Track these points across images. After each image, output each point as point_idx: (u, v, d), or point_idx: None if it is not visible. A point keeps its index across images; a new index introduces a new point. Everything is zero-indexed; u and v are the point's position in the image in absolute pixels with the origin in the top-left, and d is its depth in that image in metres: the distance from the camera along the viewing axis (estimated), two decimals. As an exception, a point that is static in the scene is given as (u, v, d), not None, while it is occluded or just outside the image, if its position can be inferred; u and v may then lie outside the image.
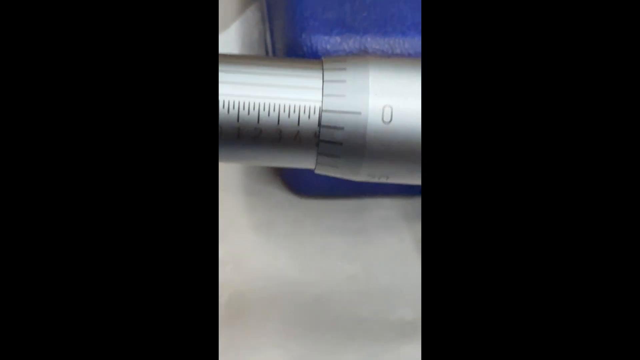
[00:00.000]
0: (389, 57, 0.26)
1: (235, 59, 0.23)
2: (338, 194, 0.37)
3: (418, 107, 0.23)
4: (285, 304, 0.39)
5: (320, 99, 0.23)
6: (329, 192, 0.35)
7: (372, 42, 0.36)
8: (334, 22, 0.36)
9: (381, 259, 0.40)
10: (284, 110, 0.23)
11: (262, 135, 0.23)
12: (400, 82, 0.23)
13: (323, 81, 0.23)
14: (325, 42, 0.36)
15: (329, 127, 0.23)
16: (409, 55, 0.34)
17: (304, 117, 0.23)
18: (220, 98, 0.22)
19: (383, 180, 0.24)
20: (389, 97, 0.23)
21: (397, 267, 0.40)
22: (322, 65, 0.23)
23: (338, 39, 0.35)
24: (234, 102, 0.22)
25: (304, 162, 0.24)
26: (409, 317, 0.38)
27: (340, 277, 0.40)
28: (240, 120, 0.23)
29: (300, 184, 0.38)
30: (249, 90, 0.23)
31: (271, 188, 0.41)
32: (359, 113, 0.23)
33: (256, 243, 0.40)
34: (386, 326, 0.38)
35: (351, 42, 0.36)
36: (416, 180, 0.23)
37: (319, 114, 0.23)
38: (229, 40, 0.43)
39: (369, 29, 0.35)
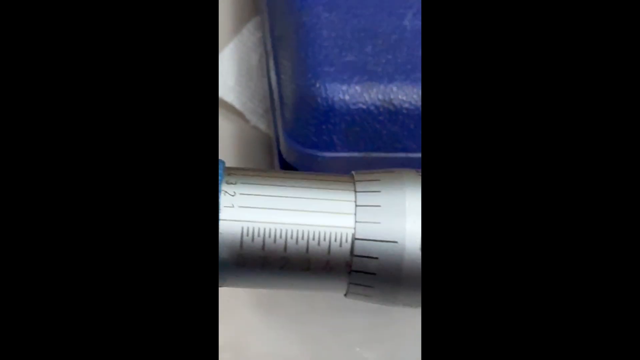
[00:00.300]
0: None
1: (255, 176, 0.23)
2: None
3: None
4: None
5: (353, 226, 0.23)
6: None
7: (399, 91, 0.34)
8: (354, 68, 0.34)
9: (408, 344, 0.37)
10: (313, 238, 0.23)
11: (289, 265, 0.23)
12: None
13: (355, 205, 0.23)
14: (343, 92, 0.34)
15: (362, 256, 0.23)
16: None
17: (334, 245, 0.23)
18: (243, 224, 0.22)
19: (418, 307, 0.24)
20: None
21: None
22: (354, 185, 0.23)
23: (358, 88, 0.34)
24: (258, 229, 0.22)
25: (333, 289, 0.24)
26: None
27: None
28: (265, 249, 0.22)
29: None
30: (275, 217, 0.22)
31: None
32: (396, 242, 0.22)
33: (258, 325, 0.38)
34: None
35: (374, 93, 0.34)
36: None
37: (352, 243, 0.23)
38: (221, 69, 0.42)
39: (394, 75, 0.34)
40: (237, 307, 0.37)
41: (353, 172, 0.24)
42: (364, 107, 0.34)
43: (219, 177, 0.23)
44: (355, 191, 0.23)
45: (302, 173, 0.25)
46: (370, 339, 0.37)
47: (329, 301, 0.38)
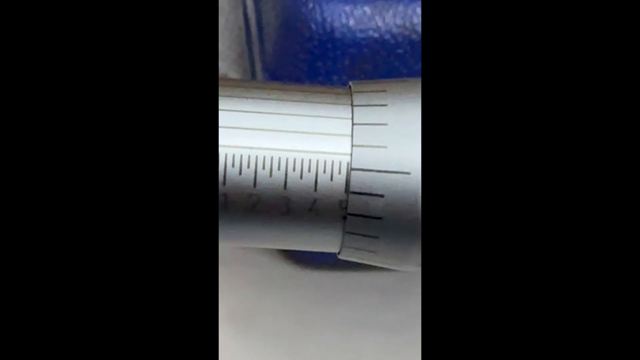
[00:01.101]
0: None
1: (239, 86, 0.22)
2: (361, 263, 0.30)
3: None
4: None
5: (349, 151, 0.20)
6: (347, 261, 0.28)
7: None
8: None
9: None
10: (294, 169, 0.20)
11: (260, 206, 0.21)
12: None
13: (352, 123, 0.21)
14: (346, 15, 0.31)
15: (362, 193, 0.20)
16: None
17: (323, 178, 0.20)
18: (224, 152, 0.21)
19: None
20: None
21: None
22: (351, 97, 0.21)
23: (367, 10, 0.31)
24: (234, 157, 0.21)
25: (323, 244, 0.21)
26: None
27: None
28: (227, 183, 0.20)
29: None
30: (239, 138, 0.20)
31: (255, 254, 0.37)
32: (408, 173, 0.20)
33: (229, 345, 0.34)
34: None
35: (389, 16, 0.31)
36: None
37: (347, 174, 0.20)
38: None
39: None
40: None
41: (351, 82, 0.22)
42: (377, 35, 0.31)
43: None
44: (353, 105, 0.21)
45: (282, 84, 0.22)
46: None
47: (324, 313, 0.35)
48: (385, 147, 0.20)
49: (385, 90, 0.21)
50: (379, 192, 0.20)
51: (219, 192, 0.20)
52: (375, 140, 0.20)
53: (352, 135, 0.20)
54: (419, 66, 0.32)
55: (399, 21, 0.31)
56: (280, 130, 0.20)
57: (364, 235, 0.21)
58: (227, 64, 0.40)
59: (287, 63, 0.32)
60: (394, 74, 0.32)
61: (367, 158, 0.20)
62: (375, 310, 0.36)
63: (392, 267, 0.21)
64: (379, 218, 0.20)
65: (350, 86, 0.22)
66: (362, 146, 0.20)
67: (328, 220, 0.21)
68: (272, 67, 0.33)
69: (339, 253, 0.22)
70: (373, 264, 0.21)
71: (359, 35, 0.31)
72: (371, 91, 0.21)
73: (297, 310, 0.36)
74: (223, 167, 0.20)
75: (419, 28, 0.32)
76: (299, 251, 0.32)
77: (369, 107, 0.21)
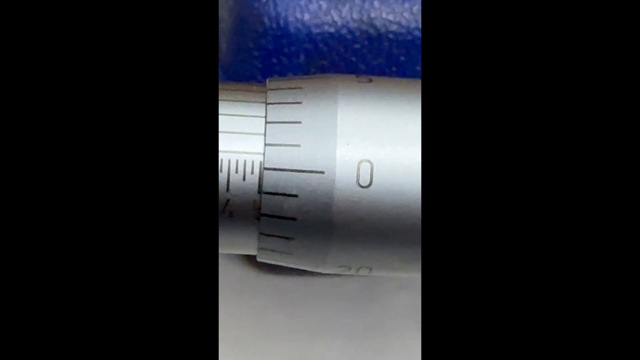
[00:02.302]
0: (370, 79, 0.23)
1: None
2: None
3: (412, 162, 0.22)
4: None
5: (262, 150, 0.21)
6: None
7: (383, 7, 0.31)
8: None
9: None
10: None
11: None
12: (386, 123, 0.22)
13: (266, 122, 0.21)
14: (300, 9, 0.31)
15: (275, 193, 0.21)
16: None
17: (235, 178, 0.21)
18: None
19: (364, 273, 0.23)
20: (368, 147, 0.21)
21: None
22: (265, 95, 0.22)
23: (323, 3, 0.30)
24: None
25: (238, 246, 0.22)
26: None
27: None
28: None
29: None
30: None
31: (220, 258, 0.34)
32: (322, 172, 0.21)
33: None
34: None
35: (346, 10, 0.31)
36: (409, 271, 0.23)
37: (260, 174, 0.21)
38: None
39: None
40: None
41: (268, 79, 0.23)
42: (333, 30, 0.30)
43: None
44: (267, 103, 0.21)
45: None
46: None
47: (286, 320, 0.35)
48: (299, 145, 0.21)
49: (301, 88, 0.21)
50: (293, 192, 0.21)
51: None
52: (289, 139, 0.21)
53: (264, 134, 0.21)
54: (377, 61, 0.31)
55: (355, 15, 0.30)
56: None
57: (278, 237, 0.21)
58: None
59: (241, 60, 0.31)
60: (351, 69, 0.31)
61: (281, 157, 0.21)
62: (339, 316, 0.35)
63: (309, 269, 0.22)
64: (293, 219, 0.21)
65: (266, 82, 0.22)
66: (275, 145, 0.21)
67: (242, 222, 0.21)
68: (226, 64, 0.32)
69: (256, 256, 0.22)
70: (290, 265, 0.22)
71: (314, 30, 0.30)
72: (286, 88, 0.22)
73: (259, 316, 0.35)
74: None
75: (376, 22, 0.31)
76: None
77: (283, 105, 0.21)
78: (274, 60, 0.30)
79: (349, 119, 0.21)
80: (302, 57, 0.30)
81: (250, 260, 0.36)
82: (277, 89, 0.22)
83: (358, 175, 0.21)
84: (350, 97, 0.21)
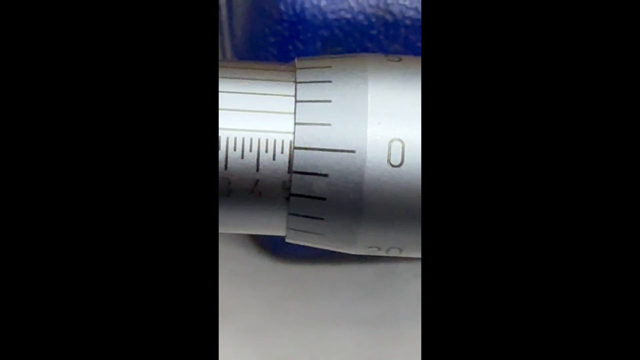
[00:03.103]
0: (400, 58, 0.23)
1: None
2: (342, 256, 0.28)
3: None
4: None
5: (292, 130, 0.21)
6: (327, 252, 0.26)
7: None
8: None
9: None
10: (235, 148, 0.21)
11: None
12: (417, 101, 0.22)
13: (296, 100, 0.21)
14: None
15: (305, 173, 0.21)
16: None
17: (265, 158, 0.21)
18: None
19: (394, 253, 0.22)
20: (399, 126, 0.21)
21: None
22: (295, 74, 0.22)
23: None
24: None
25: (267, 226, 0.22)
26: None
27: None
28: None
29: (277, 239, 0.28)
30: None
31: (228, 246, 0.36)
32: (353, 152, 0.21)
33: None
34: None
35: None
36: None
37: (290, 153, 0.21)
38: None
39: None
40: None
41: (296, 59, 0.22)
42: (349, 16, 0.30)
43: None
44: (296, 82, 0.21)
45: (223, 62, 0.23)
46: None
47: (302, 309, 0.35)
48: (329, 124, 0.21)
49: (330, 67, 0.21)
50: (323, 172, 0.21)
51: None
52: (319, 118, 0.21)
53: (294, 113, 0.21)
54: (393, 47, 0.31)
55: (372, 1, 0.30)
56: (223, 109, 0.21)
57: (308, 217, 0.21)
58: None
59: (257, 46, 0.31)
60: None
61: (311, 136, 0.21)
62: (354, 304, 0.35)
63: (339, 250, 0.22)
64: (323, 199, 0.21)
65: (295, 61, 0.22)
66: (305, 124, 0.21)
67: (271, 202, 0.21)
68: (242, 51, 0.32)
69: (285, 236, 0.22)
70: (319, 246, 0.22)
71: (330, 16, 0.30)
72: (316, 67, 0.22)
73: (274, 305, 0.35)
74: None
75: (393, 8, 0.31)
76: (275, 244, 0.35)
77: (313, 84, 0.21)
78: (290, 46, 0.30)
79: (380, 98, 0.21)
80: (318, 43, 0.30)
81: (266, 249, 0.36)
82: (307, 67, 0.22)
83: (389, 155, 0.21)
84: (380, 76, 0.21)
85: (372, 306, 0.35)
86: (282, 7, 0.30)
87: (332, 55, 0.23)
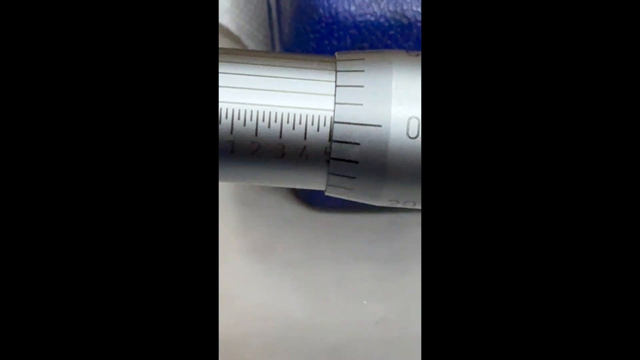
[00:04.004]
0: (418, 53, 0.25)
1: (226, 55, 0.24)
2: (364, 206, 0.31)
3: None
4: (291, 354, 0.36)
5: (332, 108, 0.23)
6: (352, 203, 0.29)
7: (412, 3, 0.34)
8: None
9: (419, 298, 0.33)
10: (288, 121, 0.23)
11: (261, 151, 0.23)
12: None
13: (336, 85, 0.23)
14: (348, 2, 0.34)
15: (342, 142, 0.23)
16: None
17: (311, 129, 0.23)
18: (225, 107, 0.24)
19: (410, 206, 0.24)
20: (416, 107, 0.23)
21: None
22: (335, 65, 0.24)
23: None
24: (227, 110, 0.23)
25: (312, 182, 0.24)
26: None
27: (365, 321, 0.37)
28: (234, 133, 0.23)
29: (312, 193, 0.34)
30: (244, 96, 0.23)
31: (273, 197, 0.39)
32: (380, 126, 0.23)
33: (251, 273, 0.38)
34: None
35: (384, 3, 0.34)
36: None
37: (330, 126, 0.23)
38: None
39: None
40: (228, 253, 0.37)
41: (337, 53, 0.24)
42: (373, 19, 0.34)
43: None
44: (336, 71, 0.24)
45: (278, 54, 0.25)
46: (379, 290, 0.37)
47: (331, 247, 0.38)
48: (362, 104, 0.23)
49: (363, 59, 0.24)
50: (356, 141, 0.23)
51: (227, 140, 0.23)
52: (354, 99, 0.23)
53: (335, 95, 0.23)
54: (407, 44, 0.34)
55: (391, 8, 0.34)
56: (279, 91, 0.23)
57: (343, 176, 0.23)
58: (255, 43, 0.42)
59: (300, 41, 0.35)
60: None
61: (347, 113, 0.23)
62: (371, 245, 0.38)
63: (366, 202, 0.24)
64: (356, 162, 0.23)
65: (336, 54, 0.24)
66: (343, 104, 0.23)
67: (315, 163, 0.23)
68: (289, 45, 0.35)
69: (325, 190, 0.24)
70: (351, 199, 0.24)
71: (358, 19, 0.34)
72: (352, 59, 0.24)
73: (308, 245, 0.38)
74: (230, 119, 0.23)
75: (408, 13, 0.34)
76: (308, 195, 0.38)
77: (349, 72, 0.23)
78: (326, 42, 0.34)
79: (401, 84, 0.23)
80: (348, 40, 0.34)
81: (303, 200, 0.39)
82: (345, 60, 0.24)
83: (408, 129, 0.23)
84: (401, 67, 0.23)
85: (385, 247, 0.38)
86: (321, 11, 0.34)
87: (364, 51, 0.25)
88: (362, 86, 0.23)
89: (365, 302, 0.36)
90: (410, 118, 0.23)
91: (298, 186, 0.24)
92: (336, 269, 0.36)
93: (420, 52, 0.25)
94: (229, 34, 0.43)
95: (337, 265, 0.36)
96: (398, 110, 0.23)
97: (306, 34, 0.34)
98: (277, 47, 0.37)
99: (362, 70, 0.23)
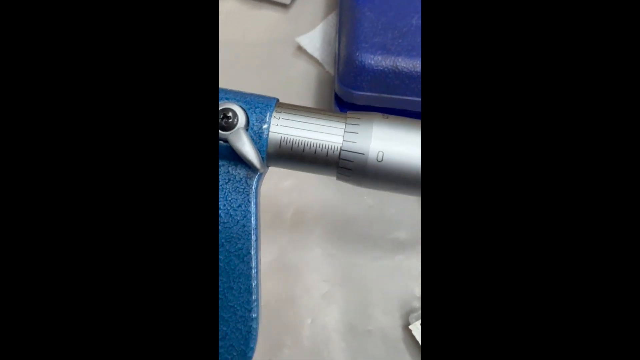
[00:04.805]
0: (388, 117, 0.29)
1: (291, 109, 0.30)
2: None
3: (403, 152, 0.28)
4: (327, 220, 0.46)
5: (341, 142, 0.29)
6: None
7: (402, 61, 0.43)
8: (378, 46, 0.44)
9: (392, 196, 0.46)
10: (319, 147, 0.29)
11: (305, 159, 0.30)
12: (392, 135, 0.29)
13: (345, 131, 0.29)
14: (370, 59, 0.44)
15: (344, 159, 0.29)
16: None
17: (330, 152, 0.29)
18: (282, 135, 0.29)
19: (380, 190, 0.29)
20: (383, 145, 0.28)
21: (401, 203, 0.46)
22: (346, 119, 0.29)
23: (379, 57, 0.44)
24: (289, 138, 0.29)
25: (330, 174, 0.30)
26: (402, 237, 0.44)
27: (363, 206, 0.47)
28: (292, 150, 0.30)
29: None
30: (298, 132, 0.29)
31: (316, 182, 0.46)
32: (363, 154, 0.28)
33: (314, 177, 0.46)
34: (388, 241, 0.45)
35: (387, 61, 0.44)
36: (404, 194, 0.30)
37: (339, 152, 0.29)
38: (315, 36, 0.52)
39: (401, 52, 0.44)
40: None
41: (347, 112, 0.29)
42: (381, 68, 0.44)
43: (272, 108, 0.28)
44: (346, 123, 0.29)
45: (319, 109, 0.29)
46: (372, 192, 0.45)
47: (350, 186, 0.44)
48: (355, 142, 0.28)
49: (359, 118, 0.29)
50: (351, 160, 0.28)
51: (288, 153, 0.28)
52: (352, 138, 0.28)
53: (343, 136, 0.29)
54: (397, 82, 0.43)
55: (391, 64, 0.42)
56: (315, 131, 0.28)
57: (344, 175, 0.29)
58: (329, 67, 0.52)
59: (346, 75, 0.44)
60: (386, 83, 0.43)
61: (348, 145, 0.28)
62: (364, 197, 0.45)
63: (356, 186, 0.30)
64: (350, 169, 0.29)
65: (346, 113, 0.29)
66: (346, 141, 0.28)
67: (331, 167, 0.29)
68: (341, 76, 0.44)
69: (335, 178, 0.30)
70: (348, 183, 0.30)
71: (375, 68, 0.44)
72: (353, 117, 0.29)
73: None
74: (290, 144, 0.28)
75: (400, 67, 0.42)
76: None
77: (351, 125, 0.29)
78: (359, 77, 0.43)
79: (377, 132, 0.27)
80: (369, 77, 0.43)
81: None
82: (351, 117, 0.29)
83: (377, 156, 0.27)
84: (379, 123, 0.28)
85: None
86: (357, 63, 0.42)
87: (360, 112, 0.29)
88: (357, 132, 0.28)
89: (365, 197, 0.46)
90: (379, 151, 0.27)
91: (317, 173, 0.30)
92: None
93: (389, 115, 0.28)
94: (318, 62, 0.53)
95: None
96: (374, 145, 0.27)
97: (350, 72, 0.44)
98: (336, 76, 0.45)
99: (358, 124, 0.28)
